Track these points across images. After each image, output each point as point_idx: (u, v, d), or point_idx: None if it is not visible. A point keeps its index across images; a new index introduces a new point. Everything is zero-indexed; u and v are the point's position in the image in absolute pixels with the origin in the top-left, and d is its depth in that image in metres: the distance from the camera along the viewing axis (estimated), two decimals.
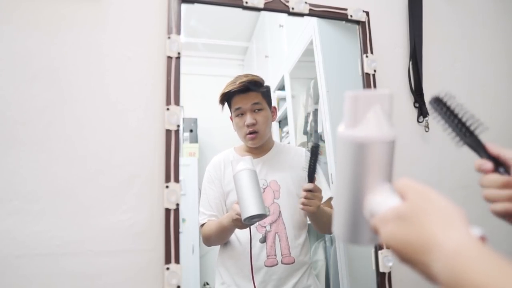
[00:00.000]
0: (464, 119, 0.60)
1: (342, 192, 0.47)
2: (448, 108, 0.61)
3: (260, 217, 0.96)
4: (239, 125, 1.18)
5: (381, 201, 0.42)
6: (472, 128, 0.60)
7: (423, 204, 0.38)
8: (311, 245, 1.36)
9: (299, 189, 1.15)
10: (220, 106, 1.21)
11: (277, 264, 1.10)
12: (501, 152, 0.58)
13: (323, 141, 1.39)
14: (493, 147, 0.58)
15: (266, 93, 1.21)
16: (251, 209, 0.93)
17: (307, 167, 1.05)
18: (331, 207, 1.15)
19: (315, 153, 1.03)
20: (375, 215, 0.42)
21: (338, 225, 0.48)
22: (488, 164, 0.58)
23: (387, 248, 0.38)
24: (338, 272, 1.24)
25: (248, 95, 1.16)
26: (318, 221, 1.14)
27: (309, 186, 1.05)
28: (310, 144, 1.06)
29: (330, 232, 1.23)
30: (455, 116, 0.60)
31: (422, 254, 0.35)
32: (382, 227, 0.40)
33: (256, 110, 1.17)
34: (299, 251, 1.13)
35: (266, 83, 1.23)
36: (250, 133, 1.16)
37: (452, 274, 0.32)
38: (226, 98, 1.20)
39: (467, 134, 0.60)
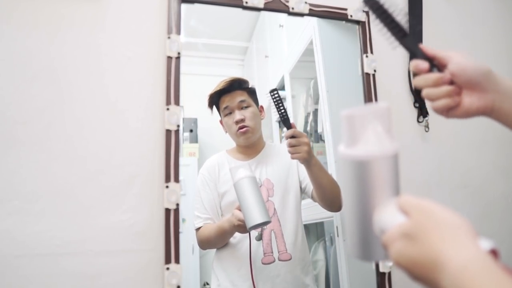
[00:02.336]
0: (399, 19, 0.61)
1: (351, 211, 0.46)
2: (382, 7, 0.61)
3: (265, 224, 0.98)
4: (228, 123, 1.21)
5: (388, 218, 0.42)
6: (406, 28, 0.61)
7: (427, 221, 0.37)
8: (311, 245, 1.36)
9: (291, 185, 1.17)
10: (209, 109, 1.25)
11: (274, 261, 1.10)
12: (437, 53, 0.59)
13: (323, 141, 1.39)
14: (429, 49, 0.60)
15: (251, 92, 1.24)
16: (257, 218, 0.95)
17: (278, 115, 1.05)
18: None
19: (275, 96, 1.04)
20: (384, 232, 0.41)
21: (351, 244, 0.47)
22: (424, 64, 0.59)
23: (397, 266, 0.38)
24: (338, 272, 1.24)
25: (234, 94, 1.20)
26: (319, 182, 1.07)
27: (289, 132, 1.04)
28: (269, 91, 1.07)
29: (337, 204, 1.12)
30: (390, 15, 0.61)
31: (432, 272, 0.35)
32: (390, 245, 0.40)
33: (244, 107, 1.20)
34: (296, 247, 1.13)
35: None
36: (240, 128, 1.18)
37: None
38: (214, 100, 1.23)
39: (403, 34, 0.61)
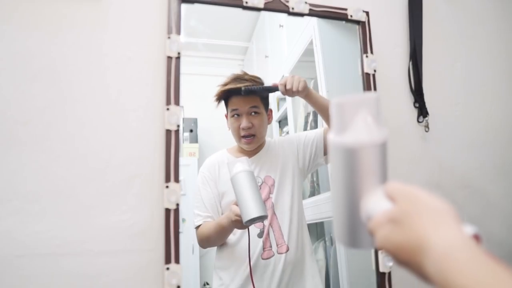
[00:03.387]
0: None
1: (339, 198, 0.47)
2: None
3: (261, 218, 0.97)
4: (234, 126, 1.17)
5: (375, 205, 0.42)
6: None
7: (412, 206, 0.38)
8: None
9: (292, 180, 1.17)
10: (216, 102, 1.20)
11: (273, 255, 1.10)
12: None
13: None
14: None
15: (264, 96, 1.21)
16: (252, 212, 0.94)
17: (265, 92, 1.16)
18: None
19: (249, 90, 1.12)
20: (371, 218, 0.42)
21: (338, 231, 0.48)
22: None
23: (382, 251, 0.39)
24: (338, 272, 1.24)
25: (246, 98, 1.15)
26: (324, 104, 1.14)
27: (281, 87, 1.11)
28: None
29: None
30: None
31: (416, 255, 0.36)
32: (376, 231, 0.40)
33: (253, 114, 1.16)
34: (295, 240, 1.12)
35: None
36: (245, 136, 1.15)
37: (442, 274, 0.32)
38: (224, 96, 1.19)
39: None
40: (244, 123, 1.14)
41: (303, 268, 1.13)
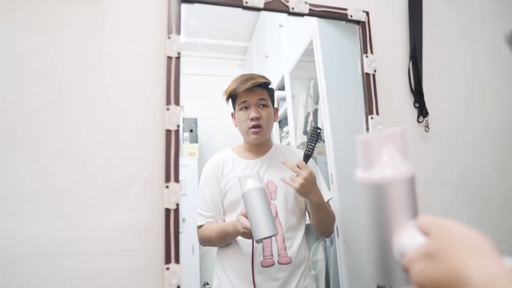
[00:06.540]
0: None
1: (370, 235, 0.46)
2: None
3: (272, 236, 0.99)
4: (242, 118, 1.18)
5: (408, 240, 0.42)
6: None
7: (448, 239, 0.37)
8: (311, 245, 1.35)
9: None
10: (225, 101, 1.22)
11: (273, 264, 1.10)
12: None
13: (323, 141, 1.39)
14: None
15: (271, 92, 1.23)
16: (264, 232, 0.96)
17: (307, 147, 1.11)
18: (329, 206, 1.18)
19: (316, 135, 1.11)
20: (405, 255, 0.41)
21: (371, 268, 0.48)
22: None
23: None
24: (338, 272, 1.24)
25: (254, 90, 1.17)
26: (316, 216, 1.14)
27: (298, 161, 1.10)
28: (313, 126, 1.17)
29: (328, 234, 1.25)
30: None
31: None
32: (411, 267, 0.39)
33: (261, 106, 1.18)
34: (296, 251, 1.12)
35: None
36: (253, 127, 1.17)
37: None
38: (232, 95, 1.20)
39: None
40: (252, 113, 1.16)
41: (299, 280, 1.12)
